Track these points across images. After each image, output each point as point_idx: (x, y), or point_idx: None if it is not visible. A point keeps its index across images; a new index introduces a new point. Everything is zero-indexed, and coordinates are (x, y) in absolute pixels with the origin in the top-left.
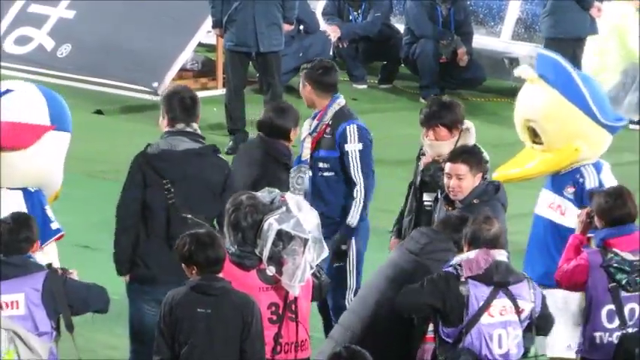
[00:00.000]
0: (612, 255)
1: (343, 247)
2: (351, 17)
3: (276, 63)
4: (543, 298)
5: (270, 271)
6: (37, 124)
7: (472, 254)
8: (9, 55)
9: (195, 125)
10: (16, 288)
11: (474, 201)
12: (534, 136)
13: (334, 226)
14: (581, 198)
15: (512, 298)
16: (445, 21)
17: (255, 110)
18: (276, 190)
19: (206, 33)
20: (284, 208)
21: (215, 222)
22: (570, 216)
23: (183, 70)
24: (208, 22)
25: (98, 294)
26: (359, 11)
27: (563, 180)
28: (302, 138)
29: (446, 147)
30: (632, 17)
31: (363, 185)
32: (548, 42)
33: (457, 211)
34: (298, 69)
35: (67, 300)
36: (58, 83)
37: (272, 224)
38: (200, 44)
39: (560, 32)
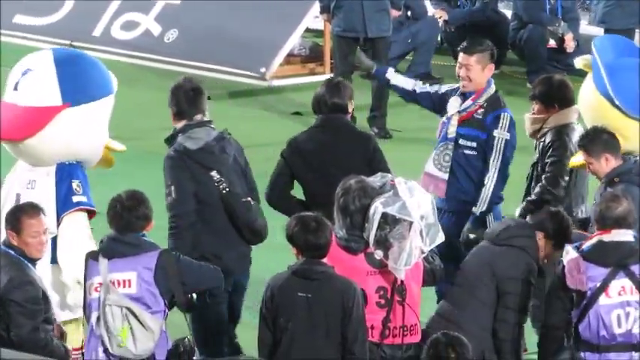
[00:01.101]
0: None
1: (472, 236)
2: (459, 2)
3: (384, 49)
4: None
5: (378, 254)
6: (45, 106)
7: (570, 259)
8: (116, 41)
9: (205, 115)
10: (129, 266)
11: (615, 179)
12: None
13: (463, 205)
14: None
15: (634, 278)
16: (552, 7)
17: (362, 96)
18: (389, 175)
19: (313, 18)
20: (391, 192)
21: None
22: None
23: (290, 55)
24: (316, 7)
25: (211, 272)
26: None
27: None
28: (448, 115)
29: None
30: None
31: (496, 175)
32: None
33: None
34: (405, 55)
35: (180, 278)
36: (165, 68)
37: (377, 207)
38: (308, 29)
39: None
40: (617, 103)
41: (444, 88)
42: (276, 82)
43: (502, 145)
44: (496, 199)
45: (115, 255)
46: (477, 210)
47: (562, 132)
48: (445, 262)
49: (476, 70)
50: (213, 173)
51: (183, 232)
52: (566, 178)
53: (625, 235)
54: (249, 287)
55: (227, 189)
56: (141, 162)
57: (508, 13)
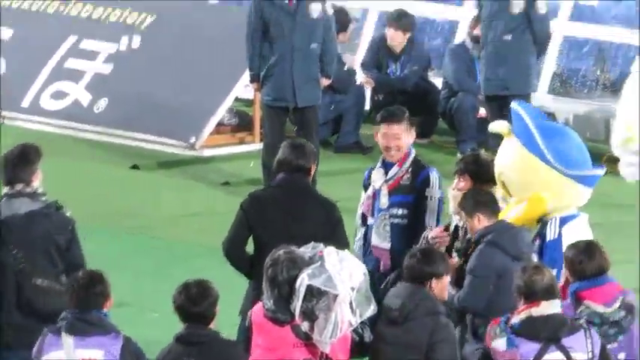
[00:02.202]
0: (583, 307)
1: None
2: (389, 70)
3: (314, 117)
4: (603, 346)
5: (304, 326)
6: None
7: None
8: (45, 111)
9: (34, 184)
10: (96, 344)
11: (482, 239)
12: (506, 189)
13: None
14: (541, 251)
15: (565, 352)
16: None
17: None
18: (321, 245)
19: (243, 87)
20: (319, 263)
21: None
22: None
23: (220, 124)
24: (246, 76)
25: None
26: (397, 64)
27: (536, 235)
28: (375, 187)
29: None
30: None
31: None
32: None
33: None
34: (333, 123)
35: None
36: (95, 138)
37: (304, 279)
38: (237, 99)
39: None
40: (549, 159)
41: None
42: (206, 152)
43: (435, 204)
44: None
45: (79, 332)
46: None
47: None
48: None
49: (404, 138)
50: (11, 247)
51: None
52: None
53: (554, 307)
54: None
55: (22, 265)
56: None
57: (438, 82)
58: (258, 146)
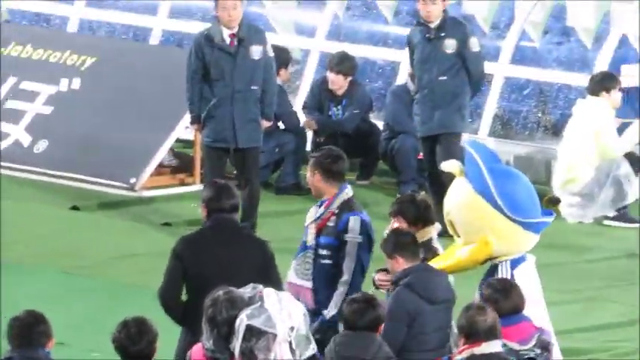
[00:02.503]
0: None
1: (316, 336)
2: (330, 112)
3: (255, 159)
4: None
5: None
6: None
7: None
8: None
9: None
10: None
11: (399, 281)
12: (453, 228)
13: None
14: None
15: None
16: None
17: None
18: (260, 286)
19: (184, 129)
20: (259, 303)
21: None
22: None
23: (161, 165)
24: (187, 117)
25: None
26: (339, 107)
27: (486, 276)
28: (306, 224)
29: None
30: (607, 112)
31: (349, 280)
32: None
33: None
34: (274, 165)
35: None
36: (34, 179)
37: (243, 319)
38: (178, 140)
39: None
40: (499, 204)
41: None
42: (146, 193)
43: (354, 249)
44: None
45: None
46: (328, 314)
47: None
48: None
49: (315, 182)
50: None
51: None
52: None
53: (495, 346)
54: None
55: None
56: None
57: (379, 123)
58: (198, 187)
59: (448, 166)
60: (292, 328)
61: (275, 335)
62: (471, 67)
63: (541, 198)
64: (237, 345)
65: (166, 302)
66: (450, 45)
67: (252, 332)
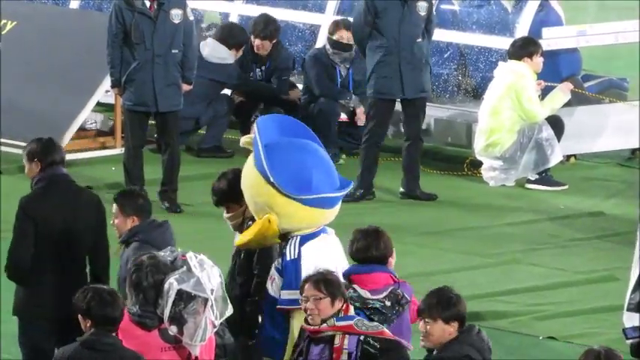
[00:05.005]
0: (351, 291)
1: None
2: (253, 74)
3: (175, 123)
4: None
5: (172, 330)
6: None
7: None
8: None
9: None
10: None
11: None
12: None
13: None
14: (281, 269)
15: None
16: (344, 80)
17: (153, 169)
18: (178, 250)
19: (105, 92)
20: (185, 268)
21: None
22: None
23: (82, 129)
24: (107, 81)
25: None
26: (262, 67)
27: (280, 250)
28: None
29: None
30: (528, 77)
31: None
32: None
33: None
34: (195, 131)
35: None
36: None
37: (172, 284)
38: (99, 103)
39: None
40: (272, 180)
41: None
42: (68, 157)
43: None
44: None
45: None
46: None
47: None
48: None
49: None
50: None
51: None
52: None
53: None
54: None
55: None
56: None
57: (299, 86)
58: (119, 151)
59: (244, 140)
60: (212, 291)
61: (205, 299)
62: (432, 30)
63: (462, 161)
64: (166, 309)
65: (19, 262)
66: (423, 7)
67: (181, 297)
